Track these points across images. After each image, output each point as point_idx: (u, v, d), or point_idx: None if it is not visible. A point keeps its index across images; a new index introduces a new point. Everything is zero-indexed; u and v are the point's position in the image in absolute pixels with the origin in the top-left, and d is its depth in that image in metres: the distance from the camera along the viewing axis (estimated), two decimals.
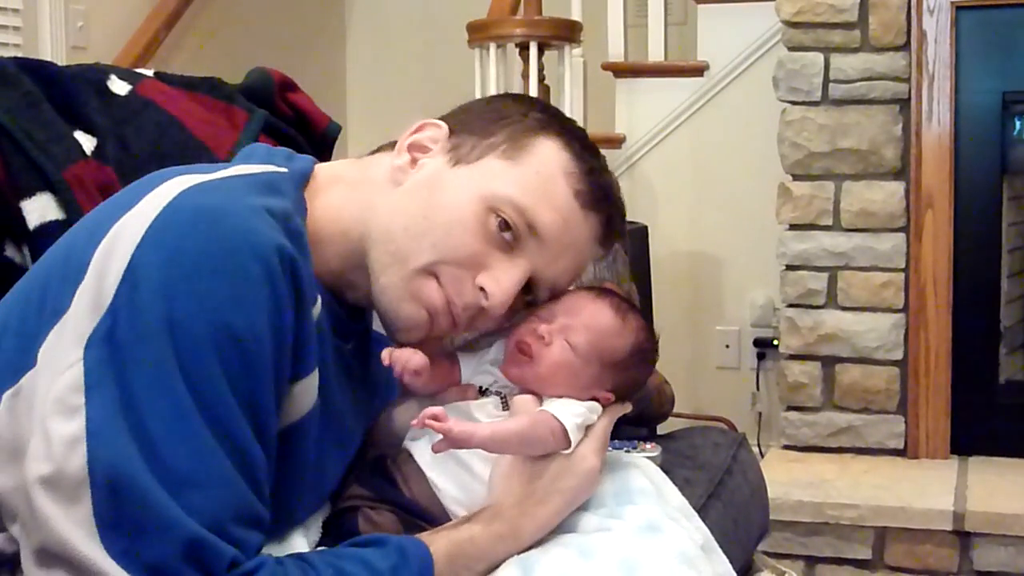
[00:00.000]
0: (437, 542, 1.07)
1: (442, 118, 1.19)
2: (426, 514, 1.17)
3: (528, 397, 1.18)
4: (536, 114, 1.17)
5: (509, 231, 1.11)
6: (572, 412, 1.16)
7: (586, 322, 1.19)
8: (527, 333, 1.18)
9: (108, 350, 0.93)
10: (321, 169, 1.19)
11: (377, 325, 1.23)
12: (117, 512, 0.90)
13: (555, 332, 1.17)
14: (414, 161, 1.15)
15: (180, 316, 0.93)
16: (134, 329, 0.93)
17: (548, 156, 1.14)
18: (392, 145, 1.19)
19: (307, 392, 1.05)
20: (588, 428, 1.17)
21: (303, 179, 1.15)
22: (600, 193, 1.16)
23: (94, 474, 0.90)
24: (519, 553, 1.11)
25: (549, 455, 1.14)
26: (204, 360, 0.94)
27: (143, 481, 0.90)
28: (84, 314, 0.95)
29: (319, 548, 1.11)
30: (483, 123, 1.16)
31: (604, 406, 1.20)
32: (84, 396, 0.92)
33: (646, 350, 1.24)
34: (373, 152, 1.23)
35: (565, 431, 1.13)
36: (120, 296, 0.94)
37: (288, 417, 1.04)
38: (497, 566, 1.10)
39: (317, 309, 1.07)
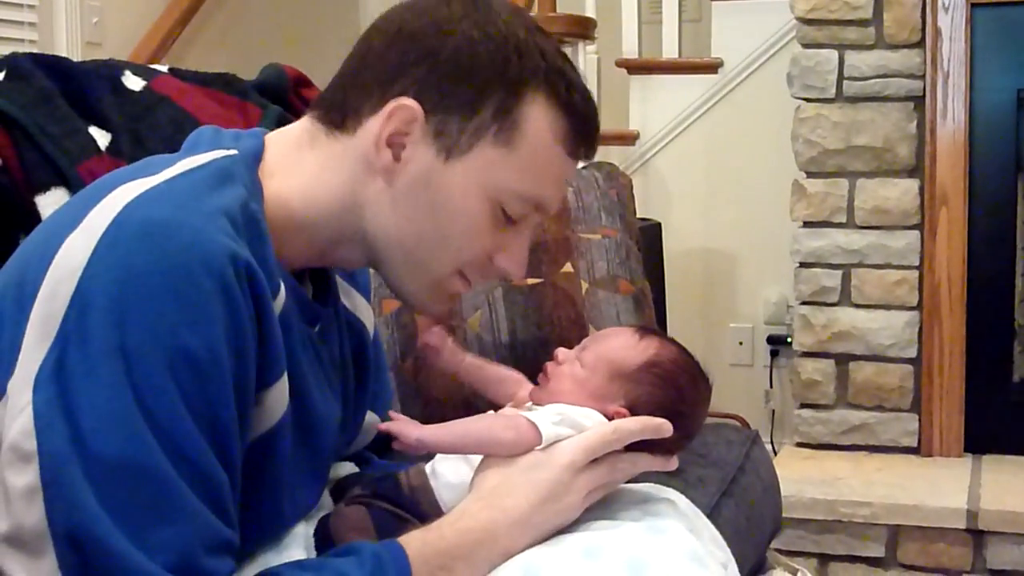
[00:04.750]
0: (412, 543, 1.05)
1: (406, 79, 1.07)
2: (421, 512, 1.15)
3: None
4: (513, 66, 1.07)
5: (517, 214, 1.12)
6: (552, 411, 1.15)
7: (601, 340, 1.26)
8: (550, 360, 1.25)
9: (56, 388, 0.90)
10: (272, 143, 1.12)
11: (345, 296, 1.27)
12: (81, 565, 0.87)
13: (572, 354, 1.25)
14: (397, 156, 1.07)
15: (133, 343, 0.90)
16: (84, 360, 0.90)
17: (540, 126, 1.08)
18: (335, 107, 1.11)
19: (278, 399, 1.03)
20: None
21: (255, 159, 1.09)
22: (588, 134, 1.13)
23: (54, 526, 0.88)
24: (509, 553, 1.08)
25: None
26: (160, 387, 0.90)
27: (101, 530, 0.87)
28: (34, 345, 0.92)
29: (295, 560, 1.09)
30: (462, 94, 1.06)
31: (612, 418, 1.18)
32: (36, 441, 0.89)
33: (663, 365, 1.22)
34: (314, 111, 1.13)
35: (532, 425, 1.12)
36: (68, 323, 0.91)
37: (260, 426, 1.02)
38: (490, 566, 1.07)
39: (280, 301, 1.04)
